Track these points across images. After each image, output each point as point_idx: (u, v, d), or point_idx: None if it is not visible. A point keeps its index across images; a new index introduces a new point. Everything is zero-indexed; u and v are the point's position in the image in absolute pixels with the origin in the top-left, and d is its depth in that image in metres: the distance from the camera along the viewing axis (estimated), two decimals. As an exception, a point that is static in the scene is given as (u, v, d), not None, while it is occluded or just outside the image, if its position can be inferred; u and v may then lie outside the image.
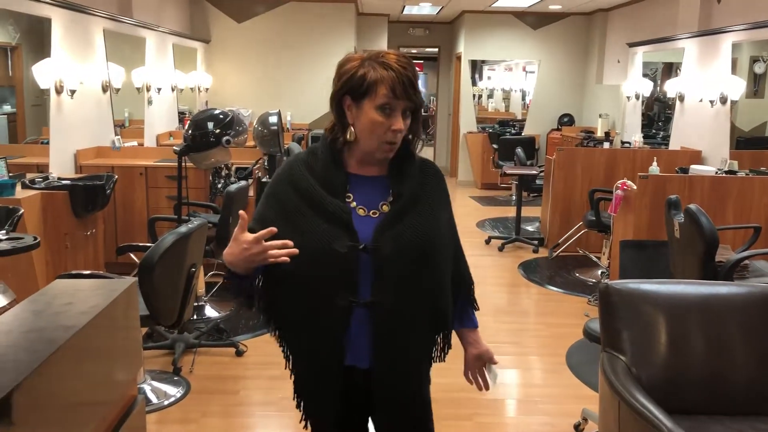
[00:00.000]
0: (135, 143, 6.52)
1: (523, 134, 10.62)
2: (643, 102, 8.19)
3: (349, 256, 1.55)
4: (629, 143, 7.72)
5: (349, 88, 1.58)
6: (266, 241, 1.52)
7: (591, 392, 3.64)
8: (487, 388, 1.90)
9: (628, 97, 8.50)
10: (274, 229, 1.52)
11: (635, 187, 5.06)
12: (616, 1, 9.04)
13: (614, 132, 8.58)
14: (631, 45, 8.45)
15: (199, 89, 8.91)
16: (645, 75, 8.21)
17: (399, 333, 1.62)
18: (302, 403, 1.74)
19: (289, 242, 1.52)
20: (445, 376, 3.85)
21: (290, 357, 1.72)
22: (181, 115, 8.18)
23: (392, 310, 1.59)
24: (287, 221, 1.59)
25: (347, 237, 1.56)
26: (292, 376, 1.74)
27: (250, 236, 1.53)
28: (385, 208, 1.62)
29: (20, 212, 3.79)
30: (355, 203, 1.62)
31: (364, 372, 1.64)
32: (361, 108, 1.57)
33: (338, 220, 1.57)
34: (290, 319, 1.67)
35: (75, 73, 5.43)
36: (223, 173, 5.26)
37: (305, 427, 1.77)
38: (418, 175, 1.67)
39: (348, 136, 1.60)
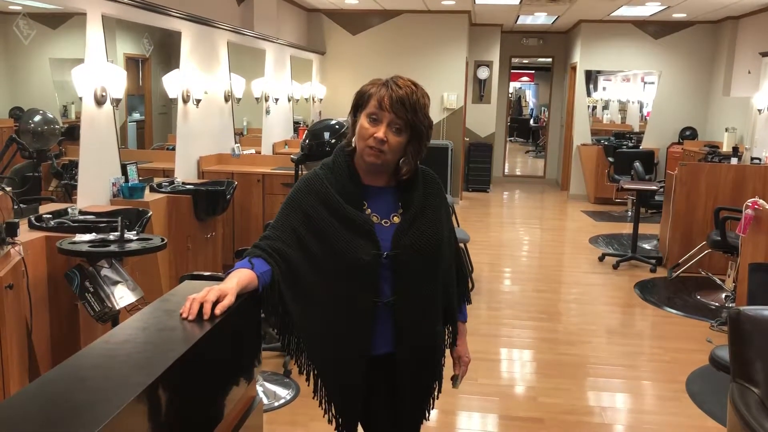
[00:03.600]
0: (253, 151, 6.78)
1: (641, 147, 10.19)
2: (776, 115, 7.65)
3: (372, 262, 1.72)
4: (759, 159, 7.23)
5: (356, 103, 1.78)
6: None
7: (715, 424, 3.41)
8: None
9: (760, 110, 7.96)
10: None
11: (768, 207, 4.73)
12: (747, 8, 8.51)
13: (743, 147, 8.06)
14: (765, 54, 7.92)
15: (313, 99, 9.16)
16: (779, 86, 7.67)
17: (416, 325, 1.81)
18: (327, 398, 1.81)
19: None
20: (555, 396, 3.76)
21: (309, 357, 1.78)
22: (296, 125, 8.43)
23: (410, 306, 1.78)
24: (311, 229, 1.73)
25: (371, 246, 1.72)
26: (312, 377, 1.80)
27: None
28: (396, 219, 1.78)
29: (149, 214, 4.02)
30: (369, 211, 1.77)
31: (388, 355, 1.80)
32: (358, 118, 1.76)
33: (363, 230, 1.73)
34: (314, 320, 1.74)
35: (201, 83, 5.72)
36: (335, 181, 5.36)
37: (333, 423, 1.85)
38: (422, 185, 1.84)
39: (350, 143, 1.80)
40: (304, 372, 1.80)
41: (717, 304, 5.37)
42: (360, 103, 1.76)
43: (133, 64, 5.12)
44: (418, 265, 1.77)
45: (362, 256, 1.70)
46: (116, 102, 4.43)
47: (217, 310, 1.48)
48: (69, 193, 4.20)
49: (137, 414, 1.10)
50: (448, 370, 2.01)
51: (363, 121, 1.73)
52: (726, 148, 8.39)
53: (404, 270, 1.75)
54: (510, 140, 16.18)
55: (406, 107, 1.69)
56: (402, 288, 1.76)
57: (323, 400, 1.82)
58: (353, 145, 1.78)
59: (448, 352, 2.03)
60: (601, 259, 6.74)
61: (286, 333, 1.74)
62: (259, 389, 3.58)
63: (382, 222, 1.77)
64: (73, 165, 4.21)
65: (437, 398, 1.98)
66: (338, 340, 1.75)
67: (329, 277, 1.72)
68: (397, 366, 1.81)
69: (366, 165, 1.77)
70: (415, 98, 1.71)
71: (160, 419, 1.19)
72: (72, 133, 4.22)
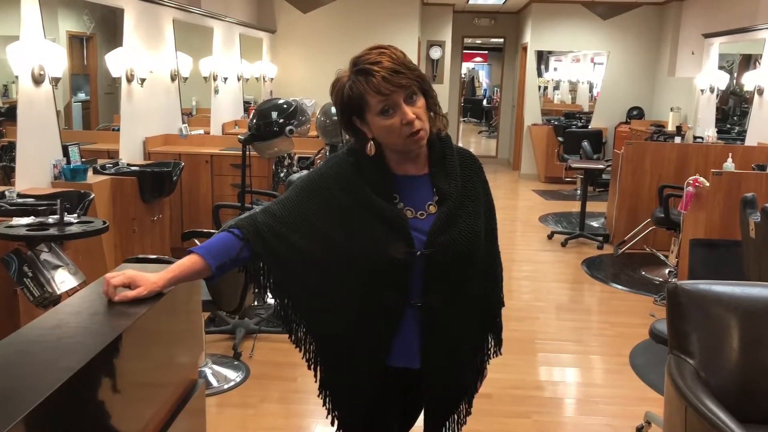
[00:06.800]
0: (201, 131, 6.66)
1: (589, 127, 10.37)
2: (717, 95, 7.86)
3: (404, 261, 1.54)
4: (702, 138, 7.43)
5: (349, 110, 1.55)
6: None
7: (655, 395, 3.52)
8: None
9: (702, 90, 8.17)
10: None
11: (708, 184, 4.86)
12: (691, -10, 8.69)
13: (686, 126, 8.27)
14: (707, 36, 8.11)
15: (264, 79, 9.03)
16: (721, 67, 7.87)
17: (448, 333, 1.63)
18: (332, 399, 1.70)
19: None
20: (504, 372, 3.82)
21: (321, 355, 1.67)
22: (246, 105, 8.30)
23: (442, 310, 1.60)
24: (330, 221, 1.56)
25: (404, 243, 1.54)
26: (320, 374, 1.69)
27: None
28: (432, 208, 1.60)
29: (91, 197, 3.92)
30: (402, 204, 1.59)
31: (415, 372, 1.64)
32: (368, 121, 1.54)
33: (395, 226, 1.55)
34: (331, 320, 1.62)
35: (145, 62, 5.57)
36: (285, 162, 5.31)
37: (332, 423, 1.73)
38: (459, 171, 1.63)
39: (369, 151, 1.56)
40: (312, 369, 1.67)
41: (660, 279, 5.53)
42: (355, 108, 1.53)
43: (77, 42, 4.95)
44: (454, 266, 1.59)
45: (394, 254, 1.53)
46: (55, 81, 4.28)
47: (116, 298, 1.41)
48: (8, 175, 4.06)
49: (65, 401, 1.07)
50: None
51: (380, 121, 1.51)
52: (670, 127, 8.59)
53: (438, 270, 1.57)
54: (463, 121, 16.26)
55: (402, 70, 1.48)
56: (433, 290, 1.58)
57: (329, 407, 1.70)
58: (371, 152, 1.56)
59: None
60: (550, 237, 6.86)
61: (292, 329, 1.63)
62: (208, 372, 3.55)
63: (418, 215, 1.59)
64: (13, 146, 4.07)
65: (465, 422, 1.80)
66: (356, 342, 1.60)
67: (357, 275, 1.56)
68: (424, 380, 1.64)
69: (402, 153, 1.59)
70: (398, 56, 1.50)
71: (90, 405, 1.16)
72: (12, 113, 4.07)
